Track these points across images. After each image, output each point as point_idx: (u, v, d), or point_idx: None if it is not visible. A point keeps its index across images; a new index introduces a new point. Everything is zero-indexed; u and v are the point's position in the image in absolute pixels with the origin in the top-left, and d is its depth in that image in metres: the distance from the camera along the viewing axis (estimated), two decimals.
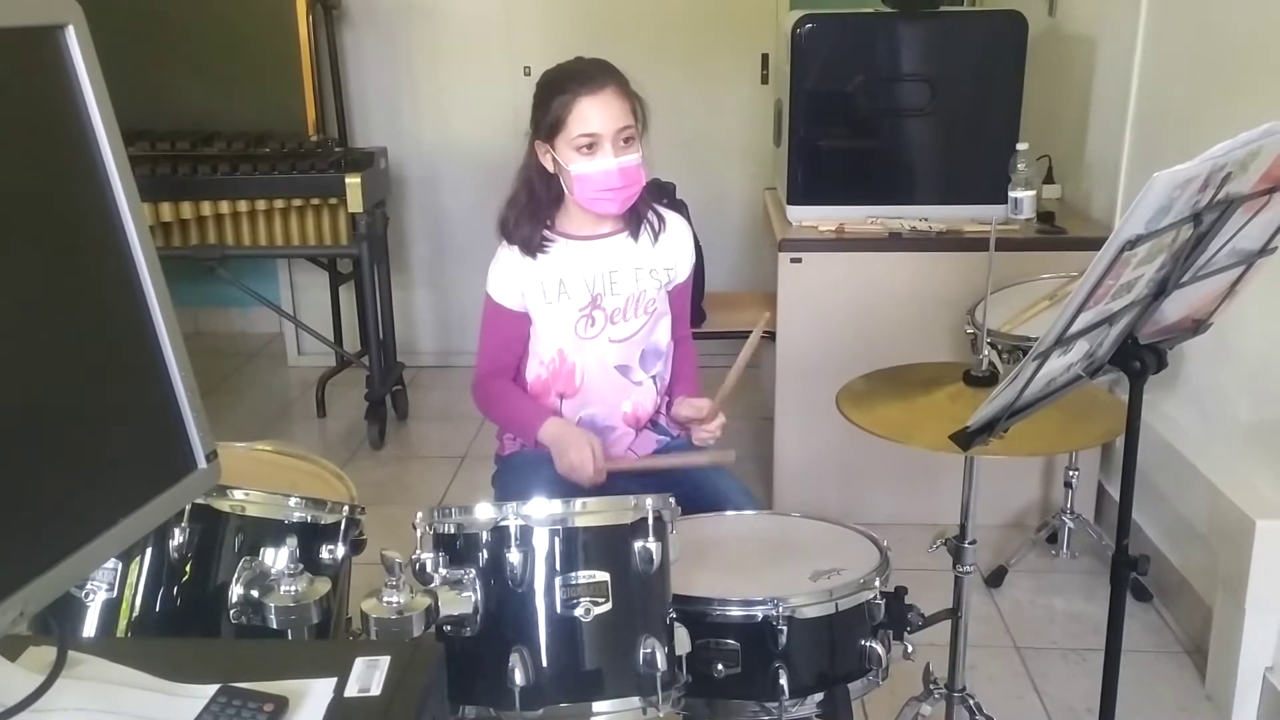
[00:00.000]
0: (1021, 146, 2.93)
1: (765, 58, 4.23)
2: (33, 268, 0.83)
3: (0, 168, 0.80)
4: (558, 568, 1.43)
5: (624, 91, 1.94)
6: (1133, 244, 1.23)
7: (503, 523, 1.43)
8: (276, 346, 4.78)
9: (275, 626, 1.45)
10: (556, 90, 1.93)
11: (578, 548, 1.44)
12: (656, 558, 1.45)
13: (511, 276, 2.05)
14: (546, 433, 2.01)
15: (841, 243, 3.02)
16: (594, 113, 1.91)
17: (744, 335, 3.37)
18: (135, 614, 1.49)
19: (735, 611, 1.56)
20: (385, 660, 1.06)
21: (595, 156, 1.93)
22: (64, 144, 0.86)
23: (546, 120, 1.94)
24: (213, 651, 1.29)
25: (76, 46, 0.85)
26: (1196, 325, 1.59)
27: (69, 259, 0.86)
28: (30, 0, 0.83)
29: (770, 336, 3.17)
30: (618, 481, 2.07)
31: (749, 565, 1.74)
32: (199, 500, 1.47)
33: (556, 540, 1.43)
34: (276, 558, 1.50)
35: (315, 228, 3.75)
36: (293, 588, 1.46)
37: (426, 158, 4.38)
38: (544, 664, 1.42)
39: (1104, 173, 3.15)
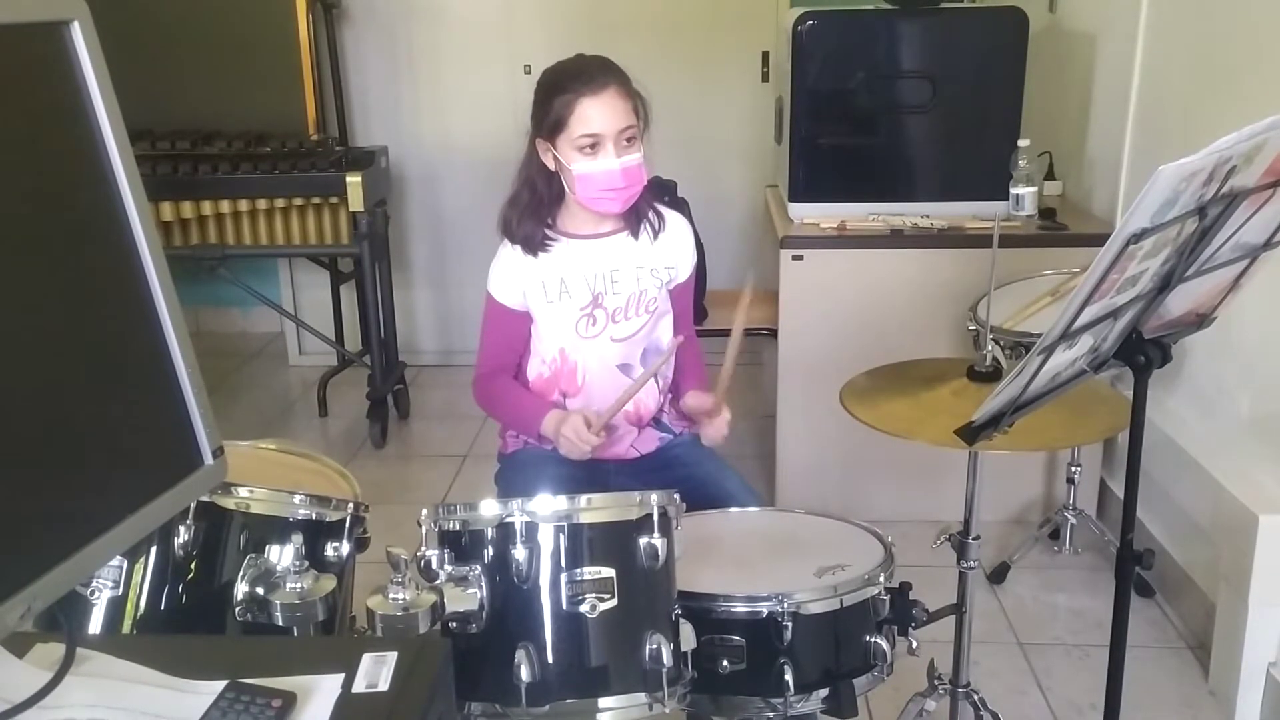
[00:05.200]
0: (1023, 143, 2.93)
1: (766, 55, 4.23)
2: (39, 265, 0.83)
3: (6, 164, 0.80)
4: (563, 564, 1.43)
5: (626, 90, 1.93)
6: (1138, 238, 1.23)
7: (508, 519, 1.43)
8: (277, 346, 4.78)
9: (281, 623, 1.45)
10: (558, 90, 1.93)
11: (583, 544, 1.44)
12: (662, 554, 1.46)
13: (513, 275, 2.05)
14: (547, 427, 2.01)
15: (843, 240, 3.02)
16: (596, 113, 1.90)
17: (746, 333, 3.39)
18: (140, 612, 1.49)
19: (740, 608, 1.56)
20: (392, 656, 1.06)
21: (597, 156, 1.92)
22: (70, 140, 0.86)
23: (548, 120, 1.93)
24: (220, 648, 1.29)
25: (82, 42, 0.85)
26: (1200, 319, 1.59)
27: (75, 256, 0.86)
28: None
29: (772, 334, 3.17)
30: (620, 479, 2.08)
31: (754, 561, 1.74)
32: (204, 498, 1.47)
33: (562, 536, 1.44)
34: (282, 555, 1.50)
35: (316, 227, 3.75)
36: (298, 585, 1.46)
37: (427, 156, 4.37)
38: (550, 660, 1.42)
39: (1105, 169, 3.15)
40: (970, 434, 1.47)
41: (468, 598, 1.43)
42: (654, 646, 1.43)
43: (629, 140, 1.93)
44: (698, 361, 2.22)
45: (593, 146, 1.91)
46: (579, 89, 1.90)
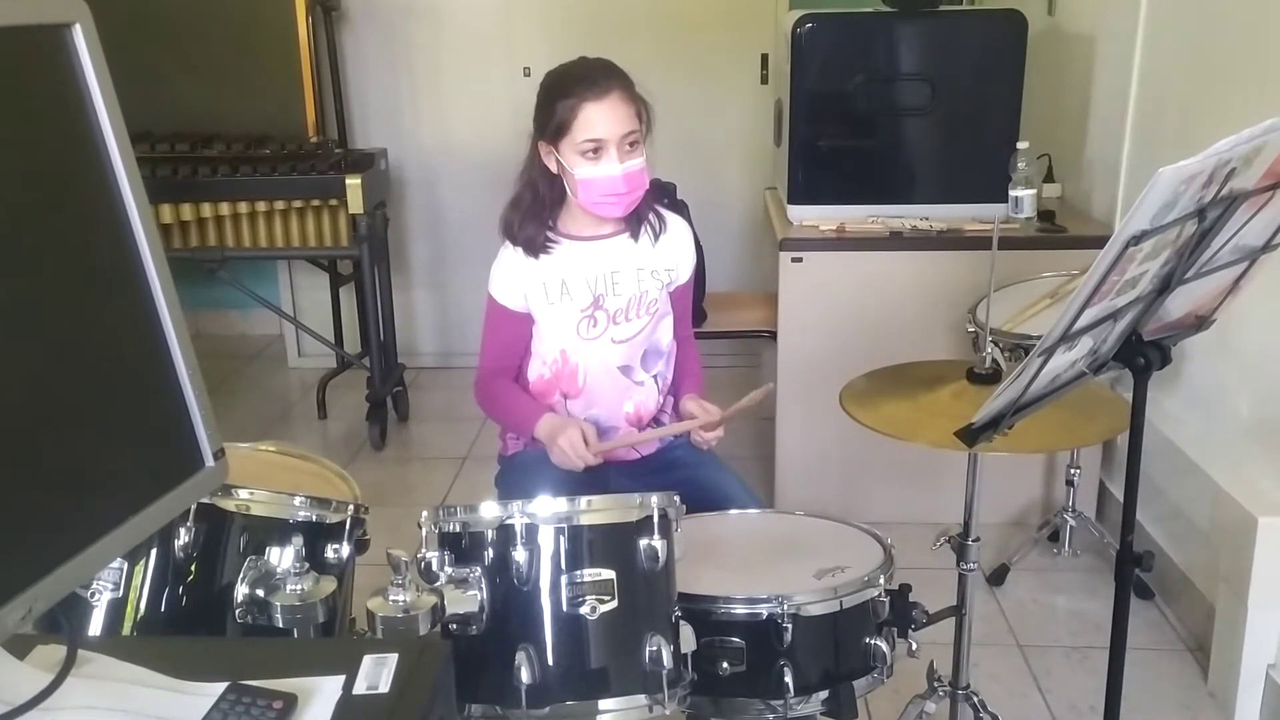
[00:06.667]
0: (1022, 145, 2.93)
1: (765, 58, 4.24)
2: (41, 267, 0.83)
3: (7, 167, 0.80)
4: (563, 566, 1.43)
5: (629, 95, 1.93)
6: (1137, 240, 1.24)
7: (508, 521, 1.43)
8: (277, 348, 4.78)
9: (281, 625, 1.46)
10: (561, 93, 1.92)
11: (583, 546, 1.44)
12: (662, 556, 1.46)
13: (514, 277, 2.05)
14: (541, 428, 2.01)
15: (842, 242, 3.03)
16: (599, 118, 1.90)
17: (746, 335, 3.40)
18: (140, 614, 1.49)
19: (740, 609, 1.56)
20: (393, 658, 1.06)
21: (600, 161, 1.92)
22: (71, 142, 0.86)
23: (551, 123, 1.93)
24: (220, 649, 1.29)
25: (84, 45, 0.85)
26: (1200, 321, 1.60)
27: (77, 258, 0.86)
28: None
29: (771, 336, 3.17)
30: (620, 481, 2.08)
31: (753, 563, 1.74)
32: (204, 500, 1.47)
33: (562, 538, 1.44)
34: (282, 557, 1.50)
35: (315, 229, 3.75)
36: (299, 586, 1.46)
37: (426, 159, 4.38)
38: (550, 662, 1.42)
39: (1104, 171, 3.15)
40: (970, 436, 1.47)
41: (468, 599, 1.43)
42: (654, 648, 1.43)
43: (631, 145, 1.93)
44: (697, 364, 2.22)
45: (595, 151, 1.91)
46: (583, 93, 1.90)
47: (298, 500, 1.58)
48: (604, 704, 1.43)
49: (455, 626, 1.44)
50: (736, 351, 4.01)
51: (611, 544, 1.45)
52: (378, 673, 1.05)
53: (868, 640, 1.62)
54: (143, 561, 1.49)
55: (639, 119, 1.94)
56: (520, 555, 1.42)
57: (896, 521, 2.61)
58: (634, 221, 2.06)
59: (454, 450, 3.79)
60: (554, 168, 1.98)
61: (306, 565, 1.49)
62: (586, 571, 1.43)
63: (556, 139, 1.94)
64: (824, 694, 1.59)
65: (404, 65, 4.30)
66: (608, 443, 2.02)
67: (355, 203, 3.59)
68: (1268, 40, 2.34)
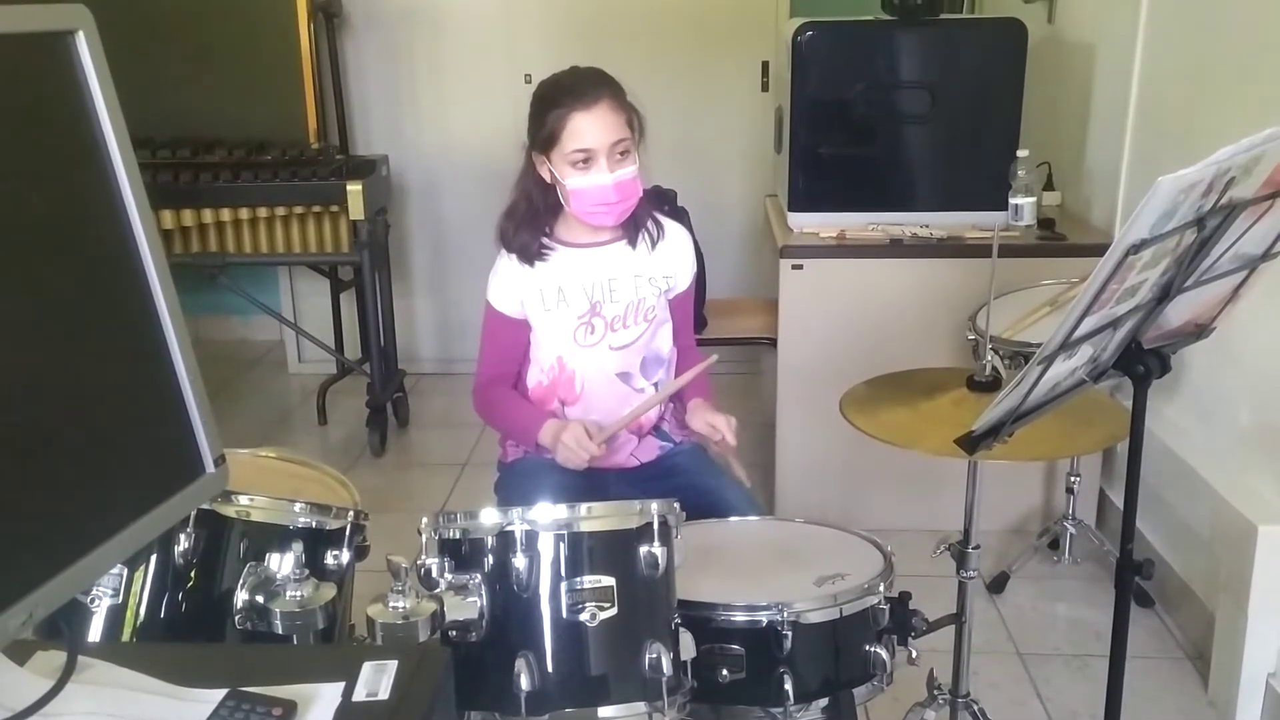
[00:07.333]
0: (1022, 153, 2.95)
1: (765, 65, 4.24)
2: (42, 273, 0.83)
3: (11, 174, 0.81)
4: (563, 573, 1.43)
5: (619, 104, 1.94)
6: (1137, 248, 1.24)
7: (508, 528, 1.43)
8: (277, 354, 4.78)
9: (281, 631, 1.45)
10: (550, 104, 1.93)
11: (583, 553, 1.44)
12: (662, 563, 1.46)
13: (511, 284, 2.06)
14: (545, 435, 2.01)
15: (843, 249, 3.03)
16: (588, 128, 1.90)
17: (746, 341, 3.41)
18: (140, 620, 1.49)
19: (740, 617, 1.56)
20: (393, 665, 1.06)
21: (590, 171, 1.93)
22: (74, 149, 0.86)
23: (541, 134, 1.94)
24: (220, 656, 1.29)
25: (87, 53, 0.86)
26: (1199, 330, 1.60)
27: (79, 264, 0.87)
28: (40, 7, 0.84)
29: (771, 343, 3.18)
30: (620, 488, 2.08)
31: (753, 571, 1.74)
32: (204, 506, 1.47)
33: (562, 545, 1.43)
34: (282, 563, 1.50)
35: (316, 235, 3.75)
36: (298, 593, 1.46)
37: (427, 165, 4.38)
38: (549, 669, 1.42)
39: (1104, 179, 3.16)
40: (970, 443, 1.47)
41: (468, 606, 1.43)
42: (654, 655, 1.43)
43: (622, 154, 1.94)
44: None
45: (585, 161, 1.92)
46: (571, 103, 1.90)
47: (298, 506, 1.58)
48: (603, 711, 1.42)
49: (455, 633, 1.43)
50: (737, 358, 4.00)
51: (611, 551, 1.45)
52: (377, 679, 1.05)
53: (867, 648, 1.62)
54: (142, 567, 1.49)
55: (630, 127, 1.95)
56: (520, 562, 1.42)
57: (896, 529, 2.61)
58: (631, 228, 2.06)
59: (454, 456, 3.79)
60: (547, 177, 1.99)
61: (306, 571, 1.48)
62: (586, 578, 1.43)
63: (547, 149, 1.94)
64: (824, 702, 1.59)
65: (405, 72, 4.31)
66: (609, 429, 2.01)
67: (356, 209, 3.59)
68: (1267, 49, 2.34)
